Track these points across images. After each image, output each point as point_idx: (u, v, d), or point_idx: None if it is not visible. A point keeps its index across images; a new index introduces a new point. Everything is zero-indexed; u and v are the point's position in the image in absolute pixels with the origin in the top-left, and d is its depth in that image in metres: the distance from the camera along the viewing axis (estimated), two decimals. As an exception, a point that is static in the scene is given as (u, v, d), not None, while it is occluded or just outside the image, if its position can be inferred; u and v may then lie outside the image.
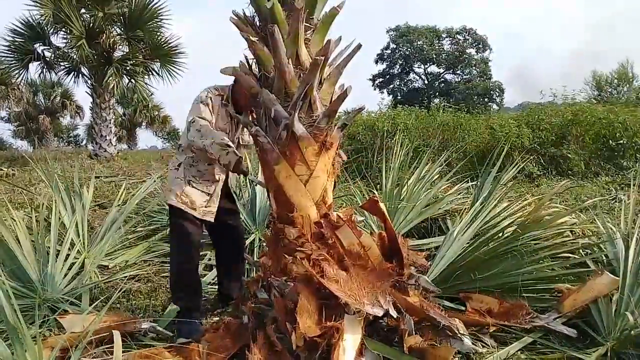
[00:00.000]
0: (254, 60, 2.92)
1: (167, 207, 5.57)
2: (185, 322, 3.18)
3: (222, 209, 3.47)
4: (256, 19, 2.90)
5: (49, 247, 3.90)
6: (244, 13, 2.89)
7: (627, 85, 27.12)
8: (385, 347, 2.71)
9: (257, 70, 2.95)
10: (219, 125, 3.30)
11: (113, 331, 2.19)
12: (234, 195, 3.62)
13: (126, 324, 3.04)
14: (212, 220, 3.40)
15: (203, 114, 3.20)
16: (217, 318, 3.54)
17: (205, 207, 3.36)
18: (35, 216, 4.24)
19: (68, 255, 4.04)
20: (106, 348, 2.44)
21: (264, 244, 4.53)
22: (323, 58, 2.67)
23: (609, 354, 2.72)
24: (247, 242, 4.62)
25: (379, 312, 2.66)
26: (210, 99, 3.26)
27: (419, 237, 4.96)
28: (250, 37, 2.77)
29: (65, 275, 3.86)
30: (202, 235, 3.50)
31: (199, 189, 3.33)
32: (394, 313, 2.73)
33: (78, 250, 4.26)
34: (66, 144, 35.37)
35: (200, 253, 3.89)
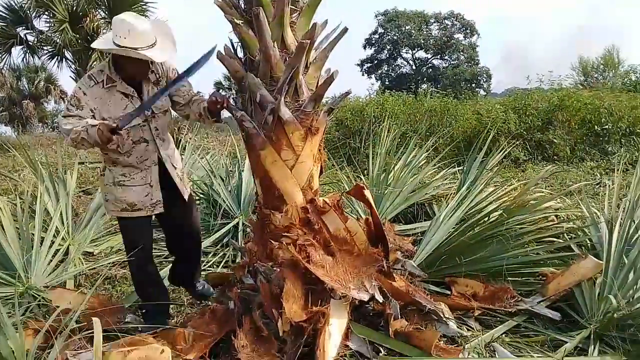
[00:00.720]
0: (239, 43, 2.88)
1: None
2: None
3: (168, 202, 3.01)
4: (241, 1, 2.86)
5: (33, 234, 3.85)
6: (229, -5, 2.84)
7: (613, 71, 27.28)
8: (371, 332, 2.73)
9: (242, 54, 2.90)
10: (110, 110, 2.76)
11: (93, 318, 2.17)
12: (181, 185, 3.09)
13: (111, 311, 3.02)
14: (162, 209, 2.98)
15: (69, 112, 2.71)
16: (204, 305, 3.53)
17: (151, 200, 2.93)
18: (20, 203, 4.19)
19: (52, 242, 4.00)
20: (89, 333, 2.42)
21: (249, 230, 4.54)
22: (309, 41, 2.64)
23: (592, 337, 2.75)
24: (229, 226, 4.61)
25: (365, 297, 2.67)
26: (81, 91, 2.72)
27: (405, 222, 4.98)
28: (235, 20, 2.73)
29: (50, 262, 3.83)
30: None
31: (133, 185, 2.88)
32: (379, 297, 2.75)
33: (62, 237, 4.22)
34: (51, 129, 34.89)
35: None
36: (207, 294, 3.48)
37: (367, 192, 2.97)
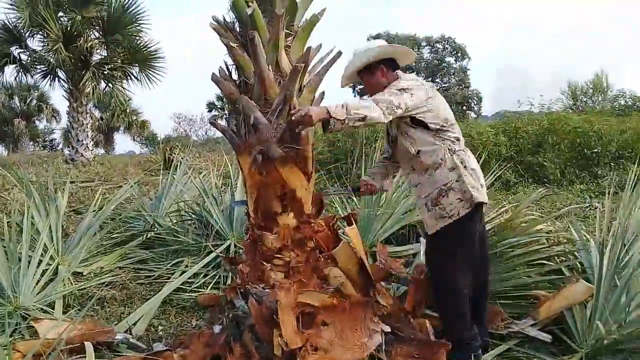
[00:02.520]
0: (234, 66, 2.91)
1: (144, 213, 5.56)
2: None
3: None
4: (236, 24, 2.89)
5: (21, 253, 3.82)
6: (224, 19, 2.87)
7: (602, 95, 27.63)
8: None
9: (236, 76, 2.92)
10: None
11: (85, 342, 2.14)
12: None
13: (100, 334, 2.99)
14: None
15: None
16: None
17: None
18: (8, 221, 4.15)
19: (41, 261, 3.95)
20: (80, 357, 2.40)
21: (241, 251, 4.52)
22: (303, 65, 2.67)
23: (583, 361, 2.75)
24: (222, 248, 4.59)
25: (379, 339, 2.69)
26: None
27: (397, 243, 4.97)
28: (230, 43, 2.76)
29: (38, 282, 3.79)
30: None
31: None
32: (387, 329, 2.76)
33: (51, 256, 4.18)
34: (42, 148, 34.78)
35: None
36: None
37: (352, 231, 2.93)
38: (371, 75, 2.88)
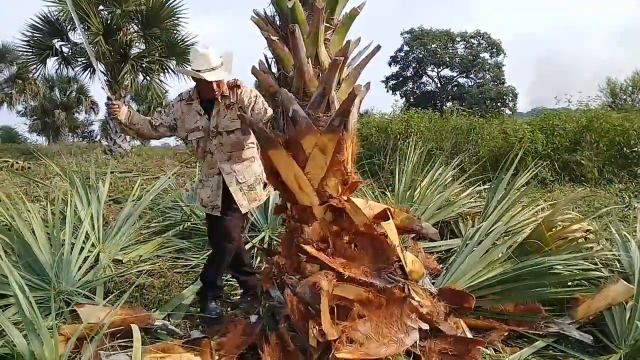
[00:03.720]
0: (273, 59, 2.94)
1: (181, 204, 5.68)
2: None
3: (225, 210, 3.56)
4: (277, 18, 2.92)
5: (64, 240, 3.94)
6: (265, 12, 2.91)
7: (643, 93, 26.85)
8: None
9: (275, 69, 2.96)
10: (185, 122, 3.55)
11: (132, 325, 2.21)
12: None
13: (140, 319, 3.07)
14: (219, 214, 3.52)
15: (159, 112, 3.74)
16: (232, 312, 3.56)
17: (211, 202, 3.52)
18: (51, 209, 4.29)
19: (83, 248, 4.08)
20: (121, 342, 2.47)
21: (276, 243, 4.57)
22: (342, 58, 2.68)
23: (622, 362, 2.71)
24: (257, 239, 4.65)
25: (416, 336, 2.70)
26: (172, 103, 3.67)
27: (430, 239, 4.95)
28: (271, 36, 2.79)
29: (80, 268, 3.91)
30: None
31: (205, 186, 3.57)
32: (424, 326, 2.77)
33: (93, 243, 4.30)
34: (81, 139, 35.63)
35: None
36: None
37: (388, 225, 2.90)
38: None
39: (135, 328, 2.16)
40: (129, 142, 15.31)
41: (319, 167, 2.75)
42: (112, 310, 2.72)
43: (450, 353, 2.74)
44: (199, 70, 3.27)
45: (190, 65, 3.38)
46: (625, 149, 9.46)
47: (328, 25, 2.82)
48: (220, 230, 3.54)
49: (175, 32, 14.10)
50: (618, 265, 3.66)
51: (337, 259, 2.75)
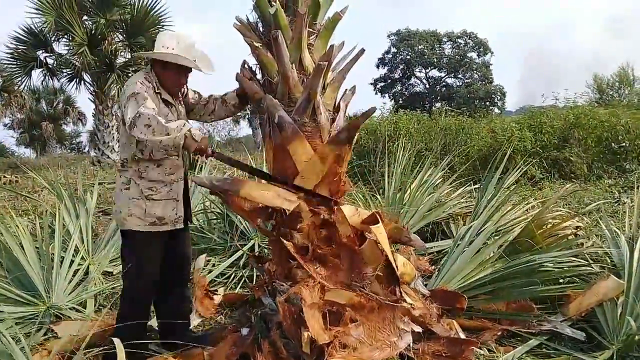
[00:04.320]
0: (257, 65, 2.93)
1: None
2: None
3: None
4: (259, 24, 2.91)
5: (53, 254, 3.90)
6: (248, 19, 2.90)
7: (629, 88, 27.13)
8: None
9: (260, 75, 2.95)
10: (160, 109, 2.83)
11: (114, 339, 2.17)
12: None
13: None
14: (182, 225, 3.02)
15: (147, 103, 2.65)
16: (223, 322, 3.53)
17: (176, 215, 2.95)
18: (40, 223, 4.24)
19: (72, 261, 4.04)
20: (100, 351, 2.42)
21: (266, 251, 4.55)
22: (326, 63, 2.67)
23: (614, 357, 2.71)
24: (247, 247, 4.62)
25: (410, 339, 2.69)
26: (143, 89, 2.73)
27: (422, 241, 4.94)
28: (254, 43, 2.79)
29: (70, 281, 3.86)
30: None
31: (161, 199, 2.88)
32: (417, 329, 2.76)
33: (82, 256, 4.26)
34: (69, 150, 35.43)
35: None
36: (205, 339, 3.12)
37: (377, 229, 2.77)
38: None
39: (117, 341, 2.12)
40: (117, 152, 15.22)
41: (315, 174, 2.75)
42: (88, 322, 2.68)
43: (443, 355, 2.74)
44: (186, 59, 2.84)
45: (163, 48, 2.83)
46: (613, 144, 9.54)
47: (311, 30, 2.82)
48: (187, 244, 3.22)
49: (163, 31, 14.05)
50: (609, 261, 3.67)
51: (318, 266, 2.74)
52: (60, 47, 14.03)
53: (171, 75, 2.89)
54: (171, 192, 2.92)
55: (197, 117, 3.23)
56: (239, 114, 39.50)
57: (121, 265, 3.06)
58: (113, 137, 14.92)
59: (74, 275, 3.94)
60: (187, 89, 3.11)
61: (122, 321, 2.83)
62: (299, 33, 2.68)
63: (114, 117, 14.95)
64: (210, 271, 4.30)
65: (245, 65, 2.97)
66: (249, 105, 3.18)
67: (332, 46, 2.77)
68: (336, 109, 2.90)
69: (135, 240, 2.91)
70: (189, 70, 2.92)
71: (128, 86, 2.78)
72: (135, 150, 2.80)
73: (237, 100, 3.09)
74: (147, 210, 2.84)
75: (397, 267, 2.80)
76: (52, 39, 13.78)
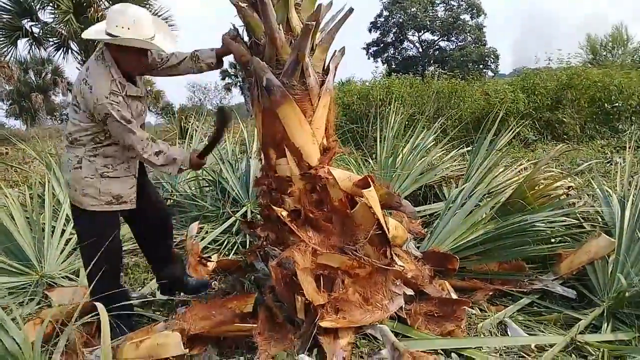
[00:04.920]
0: (244, 27, 2.85)
1: (163, 181, 5.58)
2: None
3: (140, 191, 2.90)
4: (245, -16, 2.82)
5: (44, 224, 3.88)
6: (232, -21, 2.81)
7: (622, 48, 26.90)
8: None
9: (247, 38, 2.88)
10: (132, 109, 2.68)
11: (97, 304, 2.17)
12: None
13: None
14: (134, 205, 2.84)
15: (122, 112, 2.55)
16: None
17: (134, 194, 2.82)
18: (29, 193, 4.21)
19: (64, 230, 4.02)
20: (92, 317, 2.41)
21: (259, 217, 4.54)
22: (314, 23, 2.61)
23: (605, 314, 2.74)
24: (239, 214, 4.61)
25: (402, 302, 2.70)
26: (117, 108, 2.54)
27: (415, 204, 4.95)
28: (240, 3, 2.70)
29: (62, 251, 3.86)
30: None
31: (117, 177, 2.73)
32: (409, 291, 2.77)
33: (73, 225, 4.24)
34: (59, 121, 35.08)
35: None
36: (204, 285, 3.31)
37: (369, 193, 2.73)
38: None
39: (101, 307, 2.12)
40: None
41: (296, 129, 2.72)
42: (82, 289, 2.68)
43: (435, 315, 2.76)
44: (144, 40, 2.56)
45: (118, 32, 2.53)
46: (606, 105, 9.51)
47: (298, -11, 2.74)
48: (159, 210, 3.12)
49: (148, 5, 13.78)
50: (600, 220, 3.69)
51: (310, 230, 2.73)
52: (46, 16, 13.79)
53: (132, 59, 2.64)
54: (129, 169, 2.78)
55: (154, 73, 2.99)
56: (230, 81, 39.22)
57: (77, 241, 2.95)
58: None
59: (65, 244, 3.93)
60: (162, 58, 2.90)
61: (99, 288, 2.61)
62: (286, -8, 2.61)
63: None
64: (203, 238, 4.30)
65: (232, 27, 2.90)
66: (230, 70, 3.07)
67: (319, 5, 2.69)
68: (325, 71, 2.84)
69: (91, 219, 2.73)
70: (146, 51, 2.69)
71: (95, 96, 2.52)
72: (91, 129, 2.63)
73: (214, 59, 2.89)
74: (101, 190, 2.68)
75: (388, 230, 2.80)
76: (37, 7, 13.53)
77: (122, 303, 2.73)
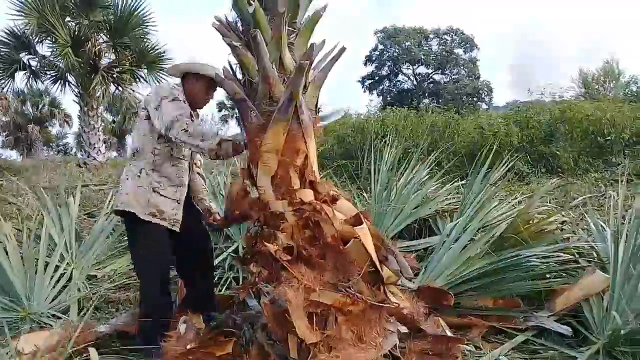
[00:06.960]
0: (238, 65, 2.89)
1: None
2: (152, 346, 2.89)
3: (186, 216, 3.16)
4: (239, 24, 2.87)
5: (36, 259, 3.84)
6: (226, 18, 2.86)
7: (614, 82, 27.29)
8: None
9: (241, 75, 2.91)
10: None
11: (89, 349, 2.14)
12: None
13: (85, 336, 2.95)
14: (178, 230, 3.09)
15: (185, 110, 2.91)
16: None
17: (174, 215, 3.06)
18: (25, 227, 4.18)
19: (57, 267, 3.98)
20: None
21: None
22: (307, 62, 2.64)
23: (601, 352, 2.71)
24: (231, 249, 4.58)
25: (396, 339, 2.66)
26: (181, 97, 2.99)
27: (410, 238, 4.94)
28: (233, 43, 2.74)
29: (54, 287, 3.81)
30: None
31: (167, 196, 3.02)
32: (403, 329, 2.73)
33: (67, 262, 4.20)
34: (56, 152, 35.14)
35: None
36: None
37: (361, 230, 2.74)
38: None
39: (92, 350, 2.08)
40: (104, 153, 15.11)
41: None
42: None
43: (430, 352, 2.72)
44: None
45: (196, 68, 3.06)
46: (599, 138, 9.59)
47: (291, 29, 2.78)
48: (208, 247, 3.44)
49: (145, 40, 13.94)
50: (595, 255, 3.68)
51: (302, 267, 2.71)
52: (44, 49, 13.88)
53: (202, 89, 3.09)
54: (176, 194, 3.07)
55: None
56: (226, 113, 39.43)
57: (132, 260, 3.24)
58: (99, 139, 14.79)
59: (57, 281, 3.88)
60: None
61: (148, 300, 3.01)
62: (279, 32, 2.64)
63: (99, 118, 14.81)
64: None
65: (226, 66, 2.93)
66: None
67: (312, 45, 2.73)
68: (318, 109, 2.87)
69: (138, 227, 2.98)
70: (216, 86, 3.08)
71: (162, 88, 2.97)
72: (155, 143, 2.98)
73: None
74: (150, 201, 2.96)
75: (382, 267, 2.78)
76: (35, 40, 13.62)
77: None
